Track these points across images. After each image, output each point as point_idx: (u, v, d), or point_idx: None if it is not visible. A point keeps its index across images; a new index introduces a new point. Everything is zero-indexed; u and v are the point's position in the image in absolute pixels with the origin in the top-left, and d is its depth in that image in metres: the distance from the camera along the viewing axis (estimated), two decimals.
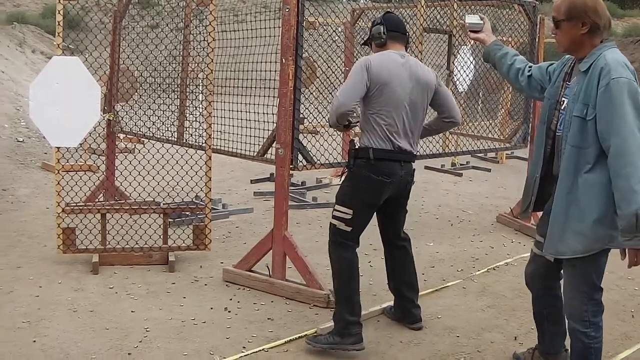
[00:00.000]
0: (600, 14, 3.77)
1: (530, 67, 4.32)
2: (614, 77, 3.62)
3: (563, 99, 3.96)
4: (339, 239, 5.05)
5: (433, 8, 8.32)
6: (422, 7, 7.18)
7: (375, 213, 5.21)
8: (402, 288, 5.45)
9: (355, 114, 4.90)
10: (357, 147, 5.03)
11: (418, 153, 5.30)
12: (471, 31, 4.54)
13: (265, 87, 6.73)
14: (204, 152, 6.73)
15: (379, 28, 5.04)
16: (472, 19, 4.54)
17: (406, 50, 5.14)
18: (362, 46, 5.57)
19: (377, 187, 4.95)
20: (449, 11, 7.96)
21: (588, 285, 3.94)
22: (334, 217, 5.04)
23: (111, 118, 8.21)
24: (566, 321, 4.19)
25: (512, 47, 11.23)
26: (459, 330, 5.35)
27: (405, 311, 5.44)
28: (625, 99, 3.59)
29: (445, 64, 8.04)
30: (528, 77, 4.28)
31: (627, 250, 3.66)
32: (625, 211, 3.54)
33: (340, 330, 4.89)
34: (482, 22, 4.53)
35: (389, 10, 5.59)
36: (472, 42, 11.13)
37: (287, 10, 5.72)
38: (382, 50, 5.04)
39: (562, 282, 4.18)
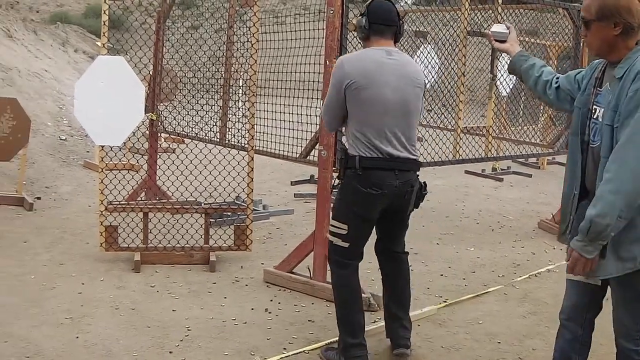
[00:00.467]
0: (634, 13, 3.42)
1: (557, 78, 3.95)
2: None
3: (595, 107, 3.58)
4: (336, 256, 4.67)
5: (477, 11, 8.26)
6: (466, 10, 7.12)
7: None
8: (390, 304, 4.90)
9: None
10: (347, 154, 4.55)
11: (422, 159, 4.92)
12: (496, 40, 4.20)
13: (307, 89, 6.73)
14: (246, 153, 6.75)
15: (360, 20, 4.55)
16: (497, 27, 4.23)
17: (396, 42, 4.62)
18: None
19: (366, 200, 4.47)
20: (492, 14, 7.89)
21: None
22: (330, 232, 4.68)
23: (154, 118, 8.27)
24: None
25: (556, 51, 11.19)
26: (500, 337, 5.30)
27: (391, 330, 4.91)
28: None
29: (488, 67, 7.98)
30: (556, 89, 3.90)
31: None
32: (589, 211, 3.29)
33: (343, 352, 4.64)
34: (507, 31, 4.20)
35: None
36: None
37: (331, 12, 5.71)
38: (367, 44, 4.58)
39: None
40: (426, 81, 4.77)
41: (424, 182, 4.68)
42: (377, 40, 4.52)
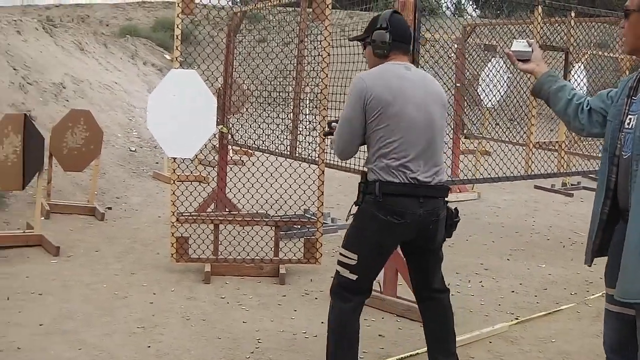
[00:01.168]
0: None
1: (588, 100, 3.55)
2: None
3: (629, 116, 3.25)
4: (339, 289, 4.21)
5: (549, 24, 8.17)
6: (539, 24, 7.04)
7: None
8: (438, 355, 4.39)
9: None
10: (365, 179, 4.14)
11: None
12: (519, 60, 3.72)
13: None
14: (316, 166, 6.76)
15: (382, 35, 4.16)
16: (518, 45, 3.74)
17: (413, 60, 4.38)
18: (352, 41, 4.71)
19: (385, 228, 4.02)
20: (565, 28, 7.80)
21: None
22: (338, 262, 4.21)
23: (224, 130, 8.35)
24: None
25: (628, 64, 10.99)
26: (573, 356, 5.20)
27: None
28: None
29: None
30: (588, 112, 3.51)
31: None
32: None
33: None
34: (530, 49, 3.71)
35: (396, 10, 4.58)
36: (585, 58, 10.96)
37: None
38: (382, 61, 4.20)
39: None
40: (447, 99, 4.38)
41: (455, 209, 4.27)
42: (395, 56, 4.20)
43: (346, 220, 4.32)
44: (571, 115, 3.55)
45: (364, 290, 4.22)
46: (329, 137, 4.63)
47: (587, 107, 3.51)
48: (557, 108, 3.60)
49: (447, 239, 4.30)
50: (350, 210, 4.28)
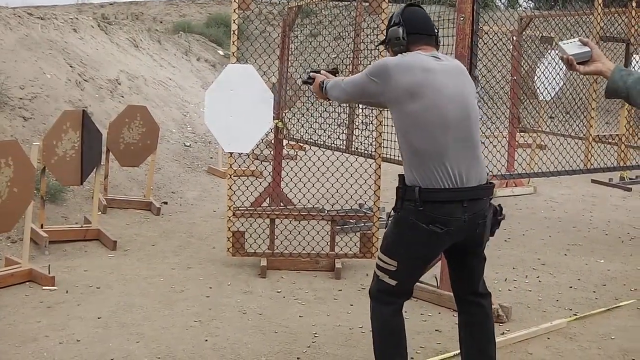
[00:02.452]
0: None
1: None
2: None
3: None
4: (379, 294, 4.04)
5: (609, 15, 8.03)
6: (599, 14, 6.93)
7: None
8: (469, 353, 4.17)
9: None
10: (404, 184, 3.83)
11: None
12: (579, 64, 3.27)
13: None
14: (373, 160, 6.74)
15: (396, 31, 3.92)
16: (571, 47, 3.28)
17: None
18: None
19: (427, 238, 3.75)
20: (626, 18, 7.66)
21: None
22: (377, 266, 4.02)
23: (280, 125, 8.37)
24: None
25: None
26: (634, 353, 5.09)
27: None
28: None
29: None
30: None
31: None
32: None
33: None
34: (587, 48, 3.27)
35: (411, 2, 4.23)
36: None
37: (462, 19, 5.66)
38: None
39: None
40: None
41: (499, 206, 3.99)
42: (416, 47, 3.90)
43: (385, 226, 4.06)
44: None
45: (404, 294, 4.06)
46: (306, 84, 4.49)
47: None
48: (639, 101, 3.23)
49: (490, 237, 4.05)
50: (389, 215, 4.00)
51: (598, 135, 7.36)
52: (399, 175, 3.86)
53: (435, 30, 3.98)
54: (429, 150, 3.67)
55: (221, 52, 19.46)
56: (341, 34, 8.36)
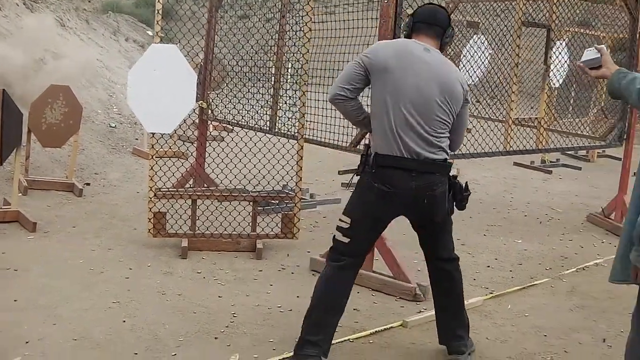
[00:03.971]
0: None
1: None
2: None
3: None
4: (332, 252, 4.41)
5: (532, 1, 8.17)
6: (522, 0, 7.05)
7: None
8: (451, 321, 4.65)
9: (353, 105, 4.29)
10: (367, 151, 4.32)
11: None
12: (591, 69, 3.78)
13: None
14: (295, 141, 6.76)
15: (406, 22, 4.44)
16: (587, 54, 3.79)
17: (442, 49, 4.39)
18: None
19: (378, 198, 4.20)
20: (547, 4, 7.79)
21: None
22: (336, 227, 4.40)
23: (204, 106, 8.32)
24: None
25: (610, 43, 11.00)
26: (546, 330, 5.25)
27: (449, 344, 4.67)
28: None
29: (540, 59, 7.88)
30: None
31: None
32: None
33: (296, 346, 4.42)
34: (599, 55, 3.74)
35: (431, 2, 4.76)
36: (567, 36, 10.96)
37: (386, 1, 5.70)
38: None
39: None
40: (466, 89, 4.40)
41: (466, 183, 4.42)
42: (416, 36, 4.32)
43: (347, 187, 4.48)
44: None
45: (355, 253, 4.36)
46: None
47: None
48: (630, 100, 3.54)
49: (461, 211, 4.49)
50: (352, 178, 4.49)
51: (518, 119, 7.49)
52: (365, 144, 4.37)
53: (440, 23, 4.32)
54: (385, 121, 4.13)
55: (150, 33, 19.21)
56: (270, 15, 8.34)
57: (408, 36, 4.36)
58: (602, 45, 3.78)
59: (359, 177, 4.34)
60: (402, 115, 4.11)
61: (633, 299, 5.91)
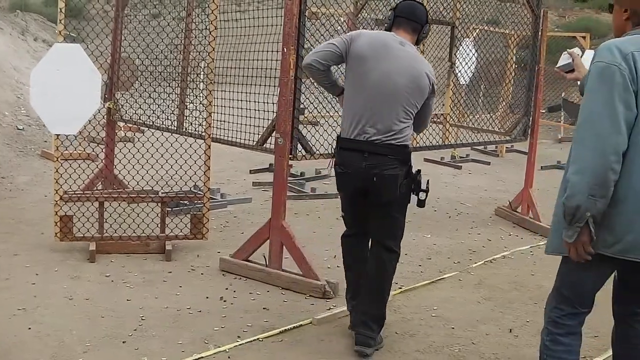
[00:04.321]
0: None
1: None
2: (595, 61, 3.28)
3: None
4: (343, 221, 5.07)
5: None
6: None
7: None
8: (364, 295, 4.86)
9: (322, 74, 4.75)
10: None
11: (407, 145, 4.62)
12: (566, 72, 4.28)
13: (267, 77, 6.70)
14: (203, 141, 6.72)
15: (387, 14, 4.89)
16: (562, 61, 4.28)
17: (417, 43, 4.84)
18: None
19: (339, 176, 4.71)
20: (452, 2, 7.92)
21: (557, 290, 3.69)
22: None
23: (111, 106, 8.20)
24: None
25: (515, 40, 11.25)
26: (454, 322, 5.35)
27: (357, 329, 4.79)
28: (595, 85, 3.24)
29: (447, 56, 8.01)
30: None
31: None
32: (561, 198, 3.34)
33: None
34: (571, 59, 4.22)
35: None
36: (475, 34, 11.17)
37: None
38: None
39: None
40: (433, 83, 4.73)
41: (427, 181, 4.82)
42: (396, 30, 4.72)
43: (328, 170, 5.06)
44: None
45: (350, 226, 5.01)
46: None
47: None
48: None
49: (421, 207, 4.82)
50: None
51: None
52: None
53: (418, 19, 4.72)
54: (351, 105, 4.60)
55: (64, 33, 18.81)
56: (183, 14, 8.26)
57: (389, 29, 4.73)
58: (574, 49, 4.14)
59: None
60: (367, 101, 4.52)
61: (538, 289, 6.13)
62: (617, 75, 3.18)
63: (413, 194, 4.73)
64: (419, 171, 4.79)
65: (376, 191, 4.59)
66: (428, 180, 4.80)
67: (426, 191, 4.77)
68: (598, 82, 3.22)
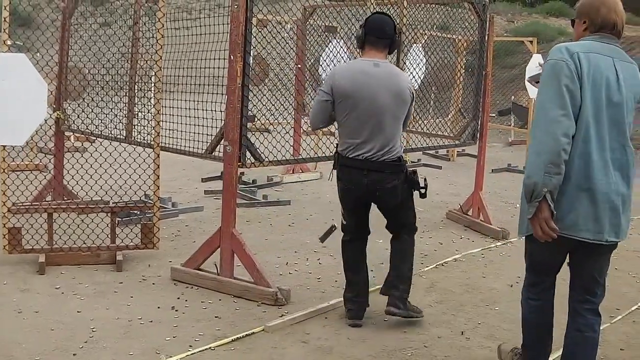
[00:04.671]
0: (600, 13, 3.92)
1: None
2: (547, 59, 3.80)
3: None
4: (343, 228, 5.55)
5: (382, 6, 8.34)
6: (372, 4, 7.18)
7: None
8: (393, 276, 5.55)
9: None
10: (336, 151, 5.33)
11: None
12: (536, 82, 4.76)
13: (216, 85, 6.68)
14: (152, 150, 6.68)
15: (359, 31, 5.23)
16: (532, 70, 4.66)
17: (390, 53, 5.34)
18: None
19: (342, 189, 5.30)
20: (398, 9, 7.96)
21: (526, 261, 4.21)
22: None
23: (60, 116, 8.11)
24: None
25: (464, 45, 11.35)
26: (406, 326, 5.38)
27: (389, 294, 5.54)
28: (547, 79, 3.75)
29: (394, 62, 8.04)
30: None
31: None
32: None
33: (344, 302, 5.51)
34: (541, 70, 4.39)
35: (378, 11, 5.82)
36: (425, 39, 11.25)
37: (235, 7, 5.71)
38: (362, 53, 5.27)
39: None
40: (412, 91, 5.27)
41: (424, 179, 5.43)
42: (369, 51, 5.19)
43: (329, 179, 5.51)
44: None
45: (352, 231, 5.53)
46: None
47: None
48: None
49: (422, 198, 5.50)
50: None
51: None
52: (337, 143, 5.36)
53: (389, 35, 5.18)
54: (346, 130, 5.15)
55: (9, 42, 18.57)
56: (130, 23, 8.19)
57: (361, 47, 5.23)
58: (542, 61, 4.45)
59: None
60: (361, 127, 5.07)
61: (489, 291, 6.20)
62: (565, 69, 3.69)
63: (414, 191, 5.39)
64: (414, 171, 5.39)
65: (381, 201, 5.33)
66: (425, 178, 5.49)
67: (425, 187, 5.39)
68: (549, 76, 3.73)
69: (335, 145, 5.47)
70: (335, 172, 5.33)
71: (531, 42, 15.02)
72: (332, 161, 5.39)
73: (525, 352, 4.31)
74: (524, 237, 4.05)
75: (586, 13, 3.97)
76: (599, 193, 3.73)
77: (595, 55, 3.79)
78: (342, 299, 5.73)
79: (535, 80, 4.59)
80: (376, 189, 5.16)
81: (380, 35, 5.15)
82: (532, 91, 13.14)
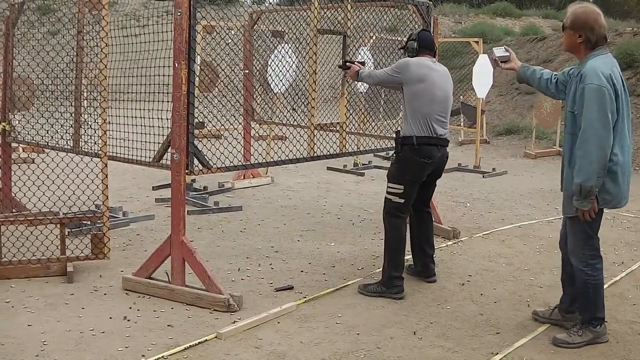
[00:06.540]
0: (595, 31, 4.90)
1: (555, 75, 5.38)
2: (587, 83, 4.77)
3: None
4: (393, 210, 6.21)
5: (327, 9, 8.40)
6: (316, 8, 7.23)
7: None
8: (425, 246, 6.61)
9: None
10: (402, 135, 6.18)
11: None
12: (502, 62, 5.52)
13: (164, 92, 6.65)
14: (99, 159, 6.62)
15: (412, 44, 6.38)
16: (499, 51, 5.53)
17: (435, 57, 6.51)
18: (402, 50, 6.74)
19: (421, 167, 6.17)
20: (342, 12, 8.02)
21: (584, 235, 5.10)
22: (388, 192, 6.23)
23: (5, 127, 8.02)
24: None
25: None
26: (359, 328, 5.42)
27: (425, 266, 6.61)
28: (592, 102, 4.75)
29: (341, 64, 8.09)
30: (555, 83, 5.33)
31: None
32: (575, 180, 4.85)
33: (386, 282, 6.14)
34: (508, 53, 5.54)
35: (424, 29, 7.13)
36: (371, 41, 11.34)
37: (179, 13, 5.70)
38: (419, 55, 6.36)
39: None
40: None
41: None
42: (423, 54, 6.35)
43: (391, 158, 6.83)
44: (543, 87, 5.41)
45: (407, 210, 6.33)
46: (342, 68, 7.19)
47: (554, 79, 5.34)
48: (534, 85, 5.47)
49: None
50: (392, 155, 6.73)
51: (320, 124, 7.67)
52: (396, 131, 6.37)
53: (435, 47, 6.53)
54: (423, 113, 6.13)
55: None
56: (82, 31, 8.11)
57: (416, 55, 6.36)
58: (509, 47, 5.63)
59: (396, 155, 6.24)
60: (432, 110, 6.16)
61: (440, 290, 6.29)
62: (607, 95, 4.75)
63: None
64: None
65: (440, 172, 6.48)
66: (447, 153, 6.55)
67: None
68: (594, 100, 4.75)
69: (395, 132, 6.42)
70: (398, 155, 6.20)
71: (477, 42, 15.23)
72: (394, 144, 6.33)
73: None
74: (566, 217, 5.21)
75: (581, 29, 4.91)
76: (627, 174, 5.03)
77: (614, 69, 4.88)
78: (293, 303, 5.77)
79: (502, 60, 5.56)
80: (444, 160, 6.37)
81: (430, 47, 6.41)
82: (480, 91, 13.41)
